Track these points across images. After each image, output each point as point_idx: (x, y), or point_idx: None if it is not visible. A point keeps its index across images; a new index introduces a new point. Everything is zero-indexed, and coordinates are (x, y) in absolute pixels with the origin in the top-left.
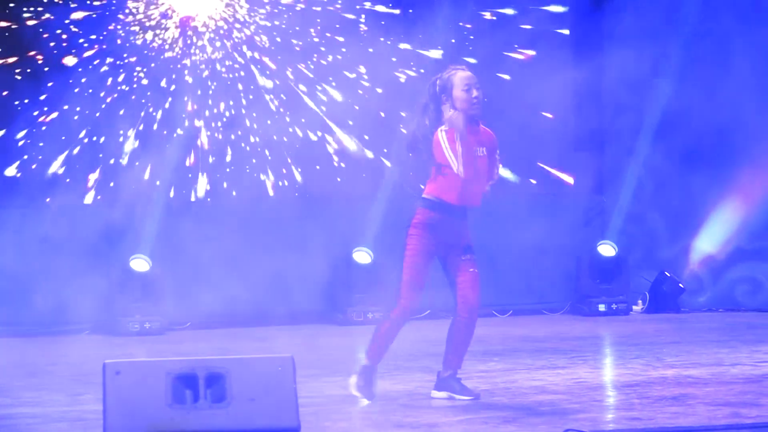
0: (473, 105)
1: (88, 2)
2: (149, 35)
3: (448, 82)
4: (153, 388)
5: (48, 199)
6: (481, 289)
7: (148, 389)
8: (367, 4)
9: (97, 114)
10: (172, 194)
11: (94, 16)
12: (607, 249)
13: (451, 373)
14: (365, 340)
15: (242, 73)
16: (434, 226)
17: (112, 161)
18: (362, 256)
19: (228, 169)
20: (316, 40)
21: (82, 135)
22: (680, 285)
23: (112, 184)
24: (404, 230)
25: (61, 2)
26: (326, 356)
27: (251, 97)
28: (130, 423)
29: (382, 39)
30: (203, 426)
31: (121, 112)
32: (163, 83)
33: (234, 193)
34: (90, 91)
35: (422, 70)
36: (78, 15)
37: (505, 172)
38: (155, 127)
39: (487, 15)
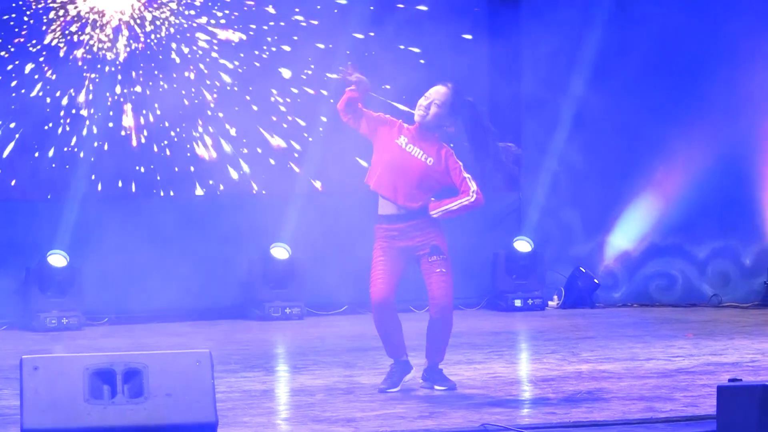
0: (419, 114)
1: None
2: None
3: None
4: (70, 384)
5: None
6: (452, 287)
7: (65, 384)
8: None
9: (13, 107)
10: (100, 188)
11: None
12: (523, 245)
13: (430, 364)
14: (283, 335)
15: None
16: (384, 237)
17: (37, 154)
18: (280, 251)
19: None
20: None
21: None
22: (595, 280)
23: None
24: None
25: None
26: (244, 351)
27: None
28: (48, 418)
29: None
30: (121, 421)
31: (49, 100)
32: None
33: (159, 193)
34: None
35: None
36: None
37: None
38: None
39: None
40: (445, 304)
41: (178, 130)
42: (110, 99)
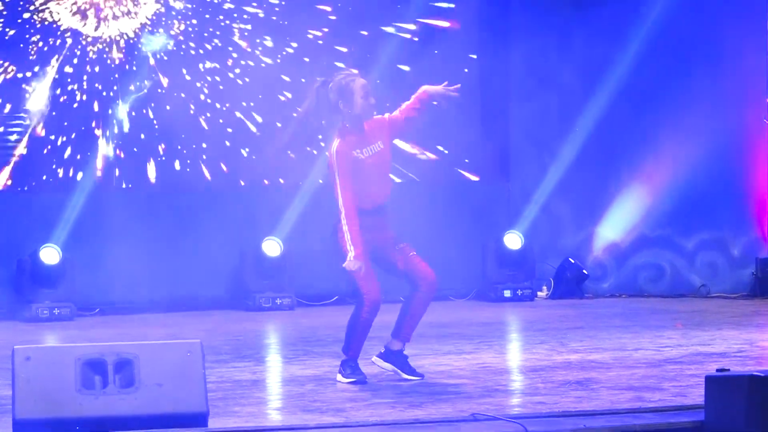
0: (369, 111)
1: None
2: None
3: (346, 88)
4: (62, 374)
5: None
6: None
7: (57, 374)
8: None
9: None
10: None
11: None
12: (513, 240)
13: (401, 347)
14: (273, 326)
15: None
16: (366, 230)
17: (25, 151)
18: (271, 247)
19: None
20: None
21: None
22: (584, 271)
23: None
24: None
25: None
26: (235, 341)
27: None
28: (40, 408)
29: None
30: (112, 411)
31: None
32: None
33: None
34: None
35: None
36: None
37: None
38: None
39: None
40: (434, 278)
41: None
42: (104, 91)
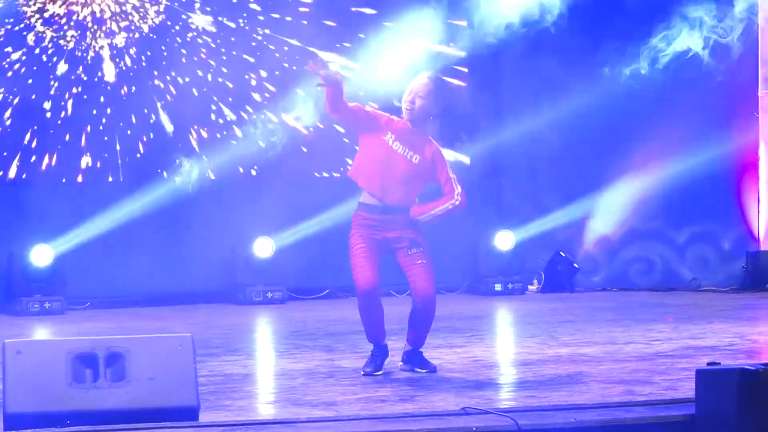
0: (406, 110)
1: None
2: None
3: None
4: (53, 368)
5: None
6: (433, 277)
7: (48, 368)
8: None
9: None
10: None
11: None
12: (505, 239)
13: (410, 348)
14: (264, 320)
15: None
16: (363, 225)
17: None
18: (263, 247)
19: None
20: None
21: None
22: (575, 265)
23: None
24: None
25: None
26: (226, 335)
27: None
28: (31, 402)
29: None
30: (103, 405)
31: (34, 97)
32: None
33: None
34: None
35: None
36: None
37: None
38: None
39: None
40: (429, 294)
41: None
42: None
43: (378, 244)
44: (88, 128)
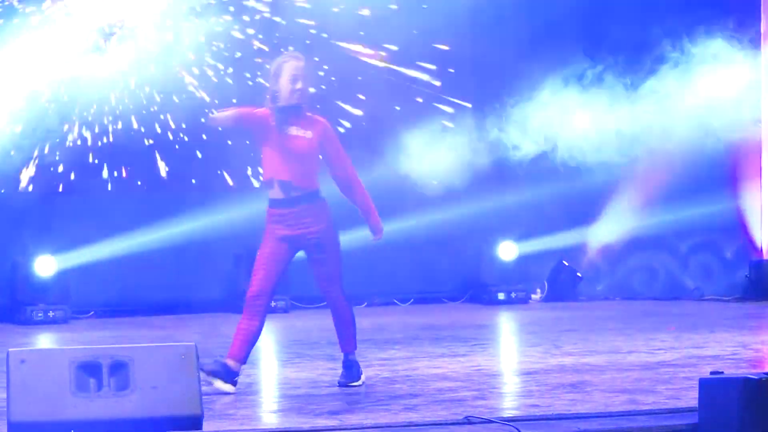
0: (294, 95)
1: None
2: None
3: (279, 68)
4: (57, 376)
5: None
6: (338, 279)
7: (52, 377)
8: None
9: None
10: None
11: None
12: (508, 250)
13: (344, 355)
14: (268, 329)
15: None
16: (274, 221)
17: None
18: None
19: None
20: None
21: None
22: (578, 274)
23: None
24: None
25: None
26: (229, 344)
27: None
28: (35, 410)
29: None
30: (107, 413)
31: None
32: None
33: (138, 183)
34: None
35: None
36: None
37: None
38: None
39: None
40: (336, 296)
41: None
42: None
43: (287, 243)
44: (99, 143)
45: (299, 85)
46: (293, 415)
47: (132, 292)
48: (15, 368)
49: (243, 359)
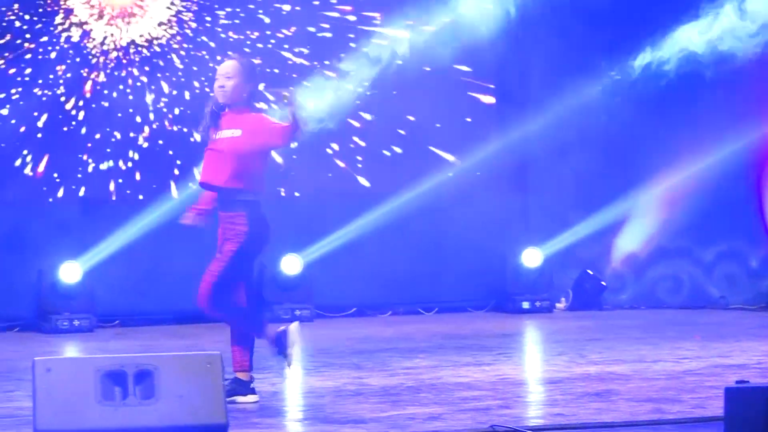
0: (218, 94)
1: None
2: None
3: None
4: (82, 385)
5: None
6: (211, 283)
7: (77, 386)
8: None
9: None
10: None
11: None
12: (532, 257)
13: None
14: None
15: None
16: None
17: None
18: (291, 264)
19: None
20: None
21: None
22: (603, 283)
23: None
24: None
25: None
26: (254, 353)
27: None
28: (60, 419)
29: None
30: (132, 422)
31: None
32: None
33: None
34: None
35: None
36: None
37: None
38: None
39: None
40: (200, 295)
41: (185, 130)
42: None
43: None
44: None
45: (225, 84)
46: (318, 423)
47: (157, 300)
48: (41, 377)
49: (248, 367)
